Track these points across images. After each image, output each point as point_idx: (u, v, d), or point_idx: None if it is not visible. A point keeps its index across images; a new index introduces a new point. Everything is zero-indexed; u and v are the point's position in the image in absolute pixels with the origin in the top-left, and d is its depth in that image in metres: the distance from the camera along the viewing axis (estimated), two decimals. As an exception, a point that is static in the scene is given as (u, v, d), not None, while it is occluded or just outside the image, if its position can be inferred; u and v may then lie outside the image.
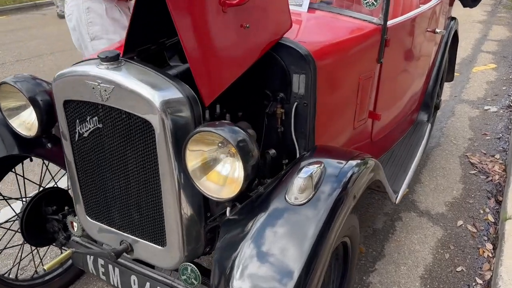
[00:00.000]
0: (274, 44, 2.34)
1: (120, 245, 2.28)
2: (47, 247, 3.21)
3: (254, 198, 1.92)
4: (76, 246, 2.51)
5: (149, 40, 2.11)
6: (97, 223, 2.33)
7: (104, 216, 2.29)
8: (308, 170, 1.79)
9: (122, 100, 1.89)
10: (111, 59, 1.91)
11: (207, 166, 1.81)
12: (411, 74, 3.57)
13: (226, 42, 2.06)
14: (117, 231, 2.27)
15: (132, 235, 2.23)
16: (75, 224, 2.50)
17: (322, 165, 1.86)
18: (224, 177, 1.80)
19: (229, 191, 1.77)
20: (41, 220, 2.74)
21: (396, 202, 2.94)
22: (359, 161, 2.06)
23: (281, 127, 2.34)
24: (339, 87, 2.54)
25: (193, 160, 1.79)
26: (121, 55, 1.98)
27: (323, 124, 2.51)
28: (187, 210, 2.02)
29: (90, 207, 2.33)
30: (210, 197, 1.81)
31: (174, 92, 1.86)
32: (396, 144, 3.63)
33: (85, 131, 2.09)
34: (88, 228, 2.40)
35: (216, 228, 2.14)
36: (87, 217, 2.37)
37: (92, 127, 2.05)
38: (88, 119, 2.05)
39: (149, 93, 1.82)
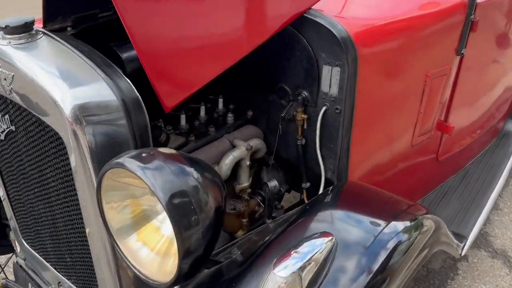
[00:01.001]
0: (297, 18, 1.61)
1: (59, 287, 1.65)
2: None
3: (220, 270, 1.18)
4: (19, 271, 1.92)
5: (94, 2, 1.39)
6: (33, 252, 1.73)
7: (38, 245, 1.71)
8: (300, 257, 1.02)
9: (27, 96, 1.20)
10: (18, 30, 1.21)
11: (138, 217, 1.09)
12: (503, 70, 2.68)
13: (206, 17, 1.31)
14: (53, 269, 1.64)
15: (68, 280, 1.59)
16: (17, 244, 1.90)
17: (332, 239, 1.08)
18: (164, 239, 1.07)
19: (170, 269, 1.04)
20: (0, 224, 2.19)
21: (462, 255, 2.08)
22: (408, 223, 1.28)
23: (302, 139, 1.78)
24: (393, 87, 1.85)
25: (114, 208, 1.08)
26: (36, 25, 1.27)
27: (363, 139, 1.80)
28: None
29: (23, 229, 1.73)
30: (138, 274, 1.09)
31: (100, 90, 1.15)
32: (471, 162, 2.72)
33: (1, 132, 1.44)
34: (26, 255, 1.81)
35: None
36: (23, 240, 1.77)
37: (6, 128, 1.41)
38: (0, 116, 1.39)
39: (57, 89, 1.12)
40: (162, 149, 1.05)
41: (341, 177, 1.76)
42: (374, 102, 1.77)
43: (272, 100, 1.83)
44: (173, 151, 1.07)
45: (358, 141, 1.75)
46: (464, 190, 2.64)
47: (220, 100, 1.91)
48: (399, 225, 1.26)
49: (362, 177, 1.89)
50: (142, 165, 0.96)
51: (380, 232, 1.21)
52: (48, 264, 1.68)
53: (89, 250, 1.35)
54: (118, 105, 1.15)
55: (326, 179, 1.77)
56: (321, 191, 1.75)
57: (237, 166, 1.76)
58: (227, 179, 1.73)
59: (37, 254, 1.72)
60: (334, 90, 1.62)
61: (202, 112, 1.85)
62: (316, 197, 1.51)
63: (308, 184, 1.88)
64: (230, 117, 1.84)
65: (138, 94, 1.19)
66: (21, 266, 1.95)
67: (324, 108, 1.66)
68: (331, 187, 1.56)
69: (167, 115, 1.80)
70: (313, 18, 1.60)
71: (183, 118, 1.77)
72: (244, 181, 1.80)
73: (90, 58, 1.20)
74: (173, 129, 1.73)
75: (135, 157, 0.98)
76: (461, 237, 2.20)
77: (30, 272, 1.89)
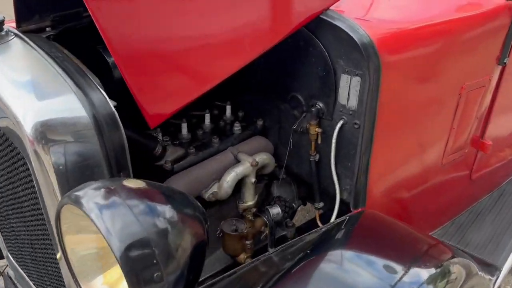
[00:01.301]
0: (312, 20, 1.43)
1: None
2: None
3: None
4: (8, 282, 1.82)
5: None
6: (18, 267, 1.62)
7: (21, 261, 1.62)
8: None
9: (-11, 105, 1.05)
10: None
11: (105, 257, 0.93)
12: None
13: (201, 16, 1.15)
14: (35, 288, 1.52)
15: (49, 303, 1.45)
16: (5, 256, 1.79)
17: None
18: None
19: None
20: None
21: (495, 289, 1.85)
22: (432, 270, 1.10)
23: (316, 155, 1.62)
24: (421, 101, 1.64)
25: (79, 244, 0.92)
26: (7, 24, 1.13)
27: (385, 157, 1.62)
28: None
29: (8, 243, 1.63)
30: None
31: (68, 104, 0.99)
32: (508, 180, 2.54)
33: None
34: (12, 268, 1.69)
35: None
36: (9, 254, 1.65)
37: (-21, 138, 1.25)
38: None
39: (19, 102, 0.96)
40: (129, 182, 0.87)
41: (358, 200, 1.58)
42: (399, 117, 1.58)
43: (284, 109, 1.67)
44: (142, 184, 0.89)
45: (379, 159, 1.57)
46: (499, 211, 2.39)
47: (228, 107, 1.74)
48: (422, 273, 1.06)
49: (383, 196, 1.71)
50: (100, 202, 0.79)
51: (398, 282, 1.02)
52: (31, 283, 1.55)
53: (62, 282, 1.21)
54: (88, 121, 0.99)
55: (341, 200, 1.60)
56: (335, 214, 1.59)
57: (241, 182, 1.59)
58: (230, 196, 1.57)
59: (21, 270, 1.61)
60: (353, 103, 1.46)
61: (207, 120, 1.69)
62: (326, 230, 1.33)
63: (321, 204, 1.72)
64: (237, 127, 1.68)
65: (113, 109, 1.02)
66: (10, 278, 1.84)
67: (341, 122, 1.49)
68: (345, 219, 1.37)
69: (166, 123, 1.64)
70: (330, 20, 1.42)
71: (184, 127, 1.62)
72: (249, 200, 1.63)
73: (62, 66, 1.04)
74: (172, 139, 1.57)
75: (93, 192, 0.81)
76: (493, 269, 1.96)
77: (19, 285, 1.78)
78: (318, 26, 1.44)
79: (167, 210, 0.83)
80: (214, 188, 1.54)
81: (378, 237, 1.24)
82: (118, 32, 1.00)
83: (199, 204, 0.95)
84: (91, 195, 0.80)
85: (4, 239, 1.63)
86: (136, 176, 1.47)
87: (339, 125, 1.49)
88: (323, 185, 1.66)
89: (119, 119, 1.02)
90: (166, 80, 1.14)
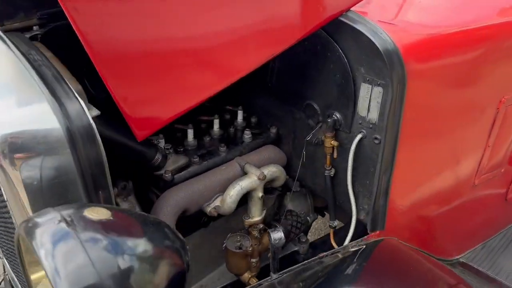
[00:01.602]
0: (330, 21, 1.29)
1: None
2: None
3: None
4: (7, 287, 1.76)
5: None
6: (13, 274, 1.54)
7: (15, 270, 1.49)
8: None
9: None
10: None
11: None
12: None
13: (198, 14, 1.01)
14: (25, 297, 1.45)
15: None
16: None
17: None
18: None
19: None
20: None
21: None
22: None
23: (331, 170, 1.50)
24: (451, 116, 1.50)
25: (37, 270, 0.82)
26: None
27: (409, 177, 1.48)
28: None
29: (1, 245, 1.54)
30: None
31: (40, 115, 0.89)
32: None
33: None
34: (9, 275, 1.62)
35: None
36: (5, 261, 1.59)
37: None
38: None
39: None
40: (91, 211, 0.75)
41: (376, 222, 1.44)
42: (426, 133, 1.43)
43: (299, 118, 1.54)
44: (108, 214, 0.76)
45: (402, 178, 1.42)
46: (536, 236, 2.18)
47: (240, 112, 1.62)
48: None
49: (405, 218, 1.58)
50: (53, 238, 0.67)
51: None
52: (21, 288, 1.49)
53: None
54: (61, 134, 0.88)
55: (357, 220, 1.45)
56: (349, 235, 1.44)
57: (247, 196, 1.47)
58: (238, 206, 1.45)
59: (16, 279, 1.54)
60: (374, 115, 1.33)
61: (216, 126, 1.57)
62: (340, 260, 1.18)
63: (336, 223, 1.58)
64: (247, 135, 1.56)
65: (91, 120, 0.91)
66: (10, 282, 1.79)
67: (359, 136, 1.37)
68: (359, 248, 1.23)
69: (172, 129, 1.53)
70: (351, 23, 1.27)
71: (190, 133, 1.50)
72: (255, 215, 1.51)
73: (38, 72, 0.93)
74: (176, 146, 1.46)
75: (48, 224, 0.70)
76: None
77: (16, 290, 1.72)
78: (337, 29, 1.30)
79: (134, 247, 0.71)
80: (217, 202, 1.42)
81: (394, 274, 1.09)
82: (99, 35, 0.88)
83: (178, 234, 0.84)
84: (44, 228, 0.69)
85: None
86: (135, 187, 1.38)
87: (357, 138, 1.36)
88: (339, 202, 1.52)
89: (97, 132, 0.91)
90: (157, 86, 1.02)
